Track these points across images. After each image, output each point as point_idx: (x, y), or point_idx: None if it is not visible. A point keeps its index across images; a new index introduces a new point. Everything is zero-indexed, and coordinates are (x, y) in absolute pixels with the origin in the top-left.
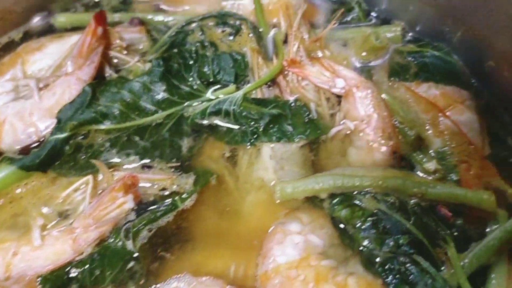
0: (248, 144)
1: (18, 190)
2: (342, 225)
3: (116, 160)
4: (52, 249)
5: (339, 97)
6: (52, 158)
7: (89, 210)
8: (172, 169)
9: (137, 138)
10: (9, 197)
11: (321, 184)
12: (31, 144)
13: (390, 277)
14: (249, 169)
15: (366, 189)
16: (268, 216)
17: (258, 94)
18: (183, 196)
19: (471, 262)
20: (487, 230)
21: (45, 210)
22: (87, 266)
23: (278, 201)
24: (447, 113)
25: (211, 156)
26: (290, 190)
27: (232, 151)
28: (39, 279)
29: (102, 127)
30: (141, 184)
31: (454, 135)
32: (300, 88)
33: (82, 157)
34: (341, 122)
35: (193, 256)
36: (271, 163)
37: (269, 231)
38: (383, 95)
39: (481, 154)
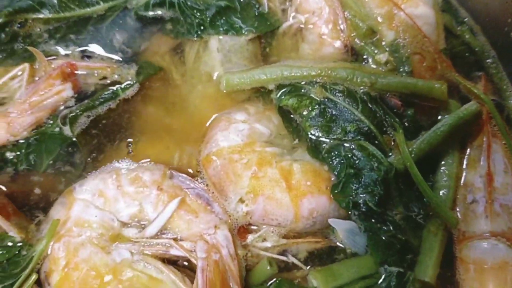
0: (195, 36)
1: None
2: (290, 116)
3: (55, 49)
4: None
5: None
6: None
7: (25, 95)
8: (114, 60)
9: (77, 29)
10: None
11: (269, 74)
12: None
13: (335, 162)
14: (196, 62)
15: (315, 79)
16: (215, 109)
17: None
18: (124, 85)
19: (420, 148)
20: (439, 117)
21: None
22: (23, 150)
23: (225, 91)
24: (402, 6)
25: (157, 50)
26: (236, 80)
27: (179, 45)
28: None
29: (40, 16)
30: (80, 72)
31: (408, 28)
32: None
33: (19, 47)
34: (292, 16)
35: (135, 146)
36: (219, 56)
37: (213, 118)
38: None
39: (436, 47)
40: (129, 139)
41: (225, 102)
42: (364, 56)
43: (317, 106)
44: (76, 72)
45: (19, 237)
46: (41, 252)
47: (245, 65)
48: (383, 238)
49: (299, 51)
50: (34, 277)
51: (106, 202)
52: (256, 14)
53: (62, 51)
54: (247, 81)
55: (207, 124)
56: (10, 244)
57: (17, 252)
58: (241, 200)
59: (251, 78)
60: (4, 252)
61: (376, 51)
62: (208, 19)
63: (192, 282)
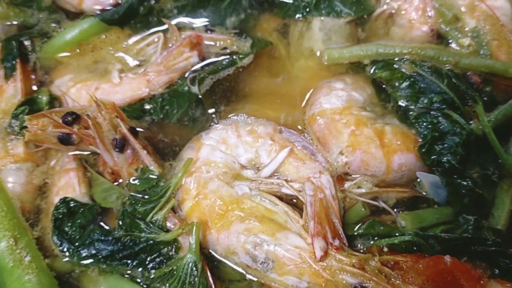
0: (300, 16)
1: (99, 41)
2: (382, 86)
3: (183, 22)
4: (129, 86)
5: None
6: (129, 16)
7: (160, 58)
8: (232, 34)
9: (201, 6)
10: (91, 46)
11: (365, 51)
12: (107, 7)
13: (422, 127)
14: (300, 40)
15: (406, 57)
16: (315, 79)
17: None
18: (241, 56)
19: (497, 118)
20: None
21: (122, 57)
22: (159, 103)
23: (326, 63)
24: None
25: (267, 28)
26: (336, 54)
27: (285, 24)
28: None
29: None
30: (205, 42)
31: (488, 18)
32: None
33: (154, 19)
34: (386, 2)
35: (248, 106)
36: (320, 35)
37: (316, 86)
38: None
39: None
40: (243, 101)
41: (324, 73)
42: (449, 40)
43: (407, 79)
44: (201, 42)
45: (157, 171)
46: (176, 183)
47: (343, 43)
48: (462, 191)
49: (390, 34)
50: (172, 201)
51: (228, 147)
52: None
53: (189, 24)
54: (346, 55)
55: (310, 91)
56: (151, 176)
57: (155, 183)
58: (341, 153)
59: (350, 53)
60: (145, 182)
61: (459, 36)
62: (313, 2)
63: (300, 216)
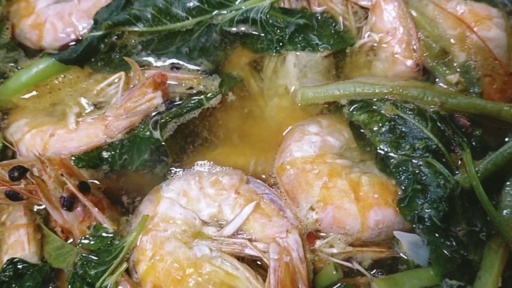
0: (274, 51)
1: (57, 82)
2: (360, 130)
3: (147, 60)
4: (85, 132)
5: (366, 10)
6: (89, 54)
7: (121, 101)
8: (200, 72)
9: (167, 42)
10: (48, 87)
11: (342, 90)
12: (69, 43)
13: (403, 177)
14: (274, 76)
15: (386, 97)
16: (289, 120)
17: (285, 4)
18: (209, 95)
19: (486, 168)
20: (506, 139)
21: (80, 100)
22: (118, 150)
23: (299, 104)
24: (475, 29)
25: (238, 63)
26: (311, 94)
27: (258, 59)
28: (73, 158)
29: (136, 29)
30: (169, 82)
31: (479, 50)
32: (327, 1)
33: (116, 56)
34: (367, 35)
35: (215, 151)
36: (295, 71)
37: (288, 130)
38: (412, 11)
39: (506, 70)
40: (210, 145)
41: (299, 114)
42: (436, 77)
43: (387, 123)
44: (166, 82)
45: (111, 229)
46: (131, 243)
47: (319, 80)
48: (446, 252)
49: (371, 68)
50: (125, 265)
51: (189, 201)
52: (332, 32)
53: (153, 62)
54: (321, 95)
55: (283, 134)
56: (104, 234)
57: (109, 242)
58: (312, 208)
59: (325, 93)
60: (98, 241)
61: (447, 72)
62: (287, 36)
63: (263, 281)
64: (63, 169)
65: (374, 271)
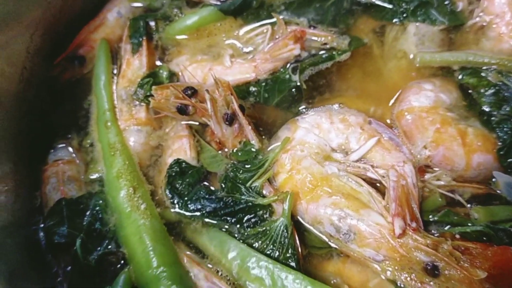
0: (397, 21)
1: (214, 28)
2: (468, 91)
3: (288, 18)
4: (238, 70)
5: None
6: (243, 8)
7: (267, 48)
8: (332, 32)
9: (306, 5)
10: (207, 32)
11: (456, 57)
12: None
13: (502, 132)
14: (394, 42)
15: (492, 66)
16: (405, 79)
17: None
18: (339, 52)
19: None
20: None
21: (234, 44)
22: (263, 87)
23: (418, 65)
24: None
25: (363, 29)
26: (428, 58)
27: (382, 26)
28: None
29: None
30: (308, 37)
31: None
32: None
33: (264, 13)
34: (479, 16)
35: (341, 97)
36: (414, 39)
37: (407, 85)
38: None
39: None
40: (337, 92)
41: (413, 75)
42: None
43: (492, 87)
44: (304, 36)
45: (257, 145)
46: (273, 158)
47: (434, 48)
48: None
49: (479, 44)
50: (270, 172)
51: (321, 132)
52: (449, 10)
53: (294, 20)
54: (437, 60)
55: (399, 90)
56: (251, 149)
57: (254, 156)
58: (425, 147)
59: (441, 58)
60: (246, 154)
61: None
62: (411, 9)
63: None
64: (229, 92)
65: (472, 204)
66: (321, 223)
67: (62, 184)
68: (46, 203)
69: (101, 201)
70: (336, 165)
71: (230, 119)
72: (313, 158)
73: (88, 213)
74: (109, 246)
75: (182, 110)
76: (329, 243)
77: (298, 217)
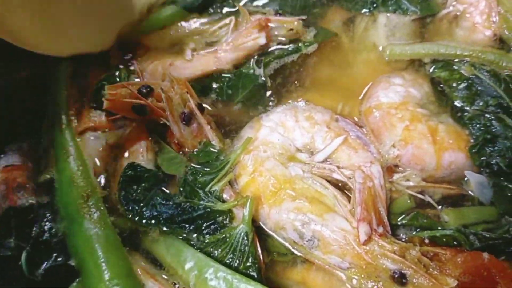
0: (367, 11)
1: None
2: (440, 85)
3: (253, 8)
4: (199, 62)
5: None
6: (207, 3)
7: (230, 38)
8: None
9: None
10: (171, 29)
11: (427, 49)
12: None
13: (475, 128)
14: (364, 33)
15: (466, 59)
16: (375, 73)
17: None
18: (306, 43)
19: None
20: None
21: (196, 38)
22: (225, 83)
23: (387, 58)
24: None
25: (332, 19)
26: (398, 50)
27: (351, 17)
28: None
29: None
30: (272, 25)
31: None
32: None
33: (229, 4)
34: (452, 5)
35: (308, 93)
36: (384, 30)
37: (375, 80)
38: None
39: None
40: (304, 87)
41: (384, 68)
42: (510, 46)
43: (465, 81)
44: (269, 24)
45: (218, 146)
46: (234, 159)
47: (406, 40)
48: (508, 194)
49: (452, 35)
50: (230, 175)
51: (285, 130)
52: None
53: (259, 9)
54: (407, 52)
55: (369, 84)
56: (211, 149)
57: (215, 157)
58: (394, 145)
59: (412, 50)
60: (206, 155)
61: None
62: None
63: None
64: (185, 89)
65: (442, 205)
66: (283, 228)
67: (11, 191)
68: None
69: (51, 210)
70: (300, 166)
71: (188, 119)
72: (277, 159)
73: (37, 223)
74: (59, 259)
75: (139, 110)
76: (293, 250)
77: (260, 223)
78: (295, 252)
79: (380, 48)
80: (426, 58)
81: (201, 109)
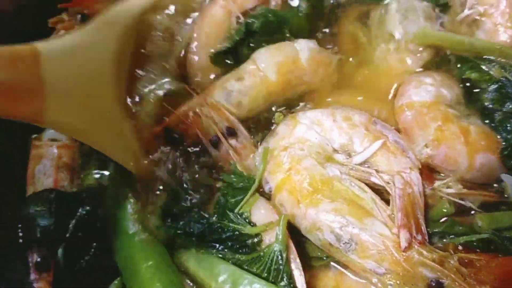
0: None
1: None
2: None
3: None
4: None
5: None
6: None
7: None
8: None
9: None
10: None
11: (457, 38)
12: None
13: (506, 131)
14: (381, 25)
15: (494, 58)
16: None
17: None
18: None
19: None
20: None
21: None
22: None
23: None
24: None
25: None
26: (427, 33)
27: (364, 13)
28: None
29: None
30: None
31: None
32: None
33: None
34: (472, 6)
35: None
36: (397, 16)
37: (406, 79)
38: None
39: None
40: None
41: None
42: None
43: (495, 83)
44: None
45: (240, 169)
46: (259, 177)
47: (421, 22)
48: None
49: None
50: (256, 196)
51: (323, 130)
52: None
53: None
54: (435, 38)
55: (396, 83)
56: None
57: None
58: (426, 145)
59: (440, 36)
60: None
61: None
62: None
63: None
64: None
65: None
66: (320, 229)
67: (56, 170)
68: (30, 183)
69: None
70: (338, 168)
71: (215, 144)
72: (314, 158)
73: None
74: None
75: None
76: (328, 251)
77: (295, 222)
78: (331, 253)
79: (397, 35)
80: (450, 49)
81: (231, 133)
